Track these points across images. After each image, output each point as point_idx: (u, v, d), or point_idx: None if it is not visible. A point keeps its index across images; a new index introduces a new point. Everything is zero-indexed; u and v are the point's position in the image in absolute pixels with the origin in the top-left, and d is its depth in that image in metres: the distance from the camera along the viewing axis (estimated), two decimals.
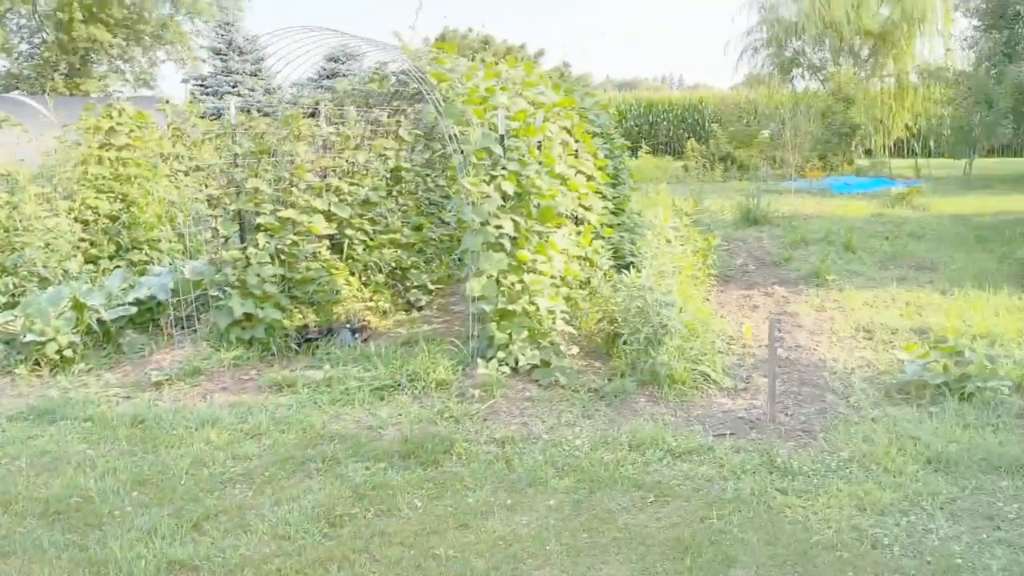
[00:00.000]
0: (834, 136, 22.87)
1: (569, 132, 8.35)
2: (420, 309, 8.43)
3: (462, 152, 5.94)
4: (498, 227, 6.00)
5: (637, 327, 5.73)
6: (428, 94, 5.99)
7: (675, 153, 31.20)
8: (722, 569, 3.46)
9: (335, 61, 25.31)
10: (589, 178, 8.64)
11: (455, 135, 5.97)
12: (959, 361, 5.46)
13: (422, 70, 6.16)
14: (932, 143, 27.00)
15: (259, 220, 7.34)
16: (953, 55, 24.11)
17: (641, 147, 26.51)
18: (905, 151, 27.91)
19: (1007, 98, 18.92)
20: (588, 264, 8.00)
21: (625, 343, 5.85)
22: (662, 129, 35.10)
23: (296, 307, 7.36)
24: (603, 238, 8.60)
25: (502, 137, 6.28)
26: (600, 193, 8.98)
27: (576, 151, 8.54)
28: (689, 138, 28.57)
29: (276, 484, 4.42)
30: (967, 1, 22.43)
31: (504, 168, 6.17)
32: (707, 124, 29.61)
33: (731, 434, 4.96)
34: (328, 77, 23.94)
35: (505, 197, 6.23)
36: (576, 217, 8.40)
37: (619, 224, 9.74)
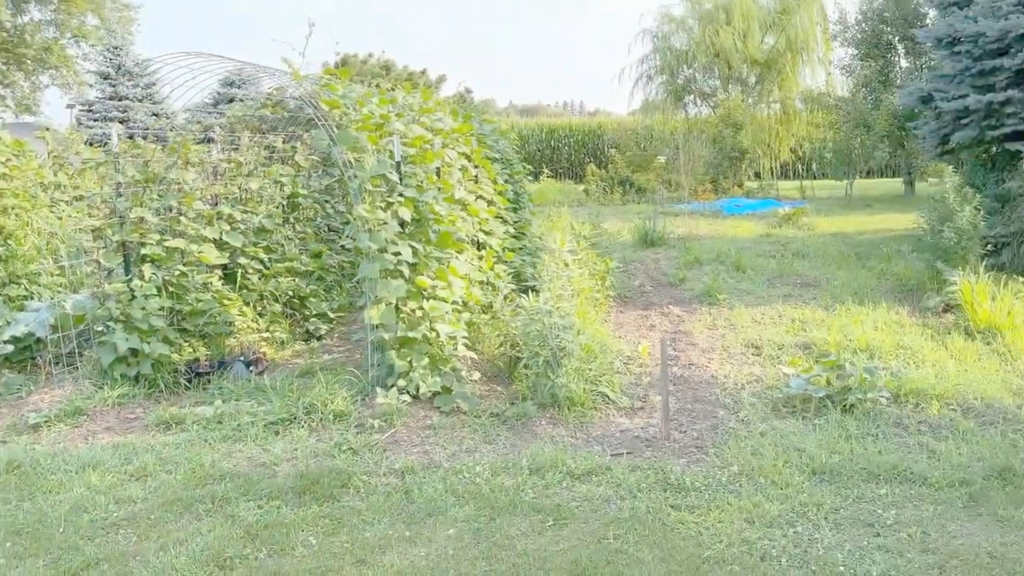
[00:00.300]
0: (725, 160, 23.88)
1: (468, 158, 8.41)
2: (320, 339, 8.26)
3: (356, 179, 5.88)
4: (396, 254, 5.96)
5: (536, 350, 5.78)
6: (320, 121, 5.92)
7: (576, 177, 31.91)
8: None
9: (231, 86, 24.73)
10: (490, 203, 8.72)
11: (349, 162, 5.91)
12: (841, 375, 5.75)
13: (314, 96, 6.08)
14: (816, 166, 28.59)
15: (144, 250, 7.06)
16: (834, 82, 25.67)
17: (543, 172, 26.98)
18: (791, 173, 29.44)
19: (883, 123, 20.26)
20: (490, 289, 8.05)
21: (525, 367, 5.89)
22: (563, 154, 35.84)
23: (186, 340, 7.08)
24: (505, 262, 8.68)
25: (398, 164, 6.27)
26: (501, 218, 9.07)
27: (476, 176, 8.61)
28: (590, 163, 29.28)
29: (162, 528, 4.22)
30: (845, 31, 23.97)
31: (401, 195, 6.15)
32: (606, 149, 30.39)
33: (628, 453, 5.05)
34: (225, 102, 23.36)
35: (403, 223, 6.21)
36: (478, 242, 8.46)
37: (521, 248, 9.85)
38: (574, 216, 13.94)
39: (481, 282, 7.97)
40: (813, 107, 24.66)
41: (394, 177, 6.02)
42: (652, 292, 10.21)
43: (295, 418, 5.61)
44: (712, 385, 6.40)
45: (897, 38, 22.43)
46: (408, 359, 5.91)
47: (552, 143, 36.02)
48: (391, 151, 6.22)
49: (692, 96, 27.85)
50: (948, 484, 4.40)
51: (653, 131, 28.42)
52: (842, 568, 3.60)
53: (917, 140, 15.72)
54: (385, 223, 5.93)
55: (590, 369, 6.27)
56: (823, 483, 4.50)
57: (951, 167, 12.50)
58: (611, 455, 5.02)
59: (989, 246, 10.15)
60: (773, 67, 26.03)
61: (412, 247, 6.11)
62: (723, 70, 26.72)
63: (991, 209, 10.54)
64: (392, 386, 5.84)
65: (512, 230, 9.46)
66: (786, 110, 26.25)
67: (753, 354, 7.22)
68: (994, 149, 11.54)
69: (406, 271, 6.03)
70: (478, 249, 8.43)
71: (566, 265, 6.94)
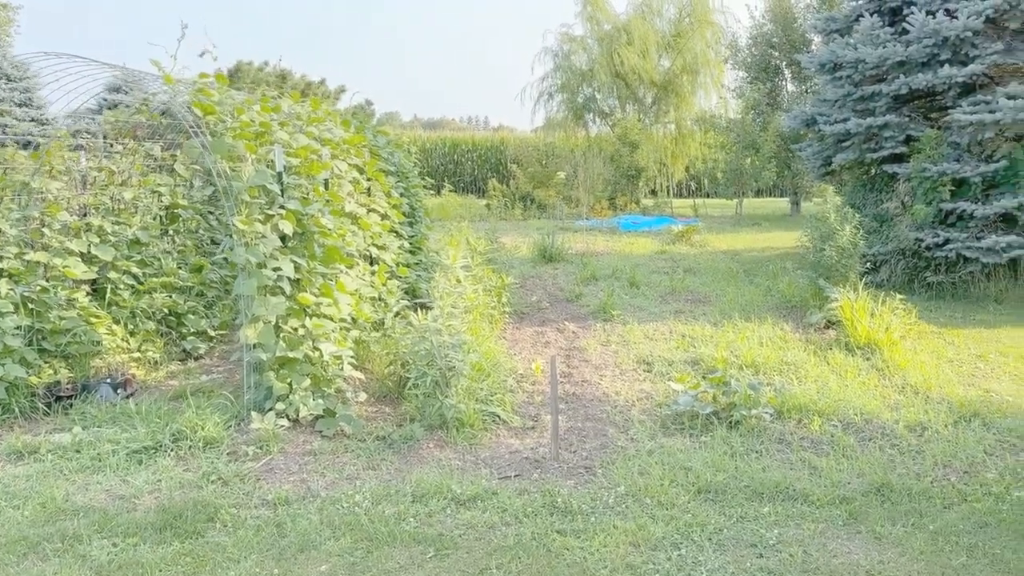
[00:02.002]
0: (623, 178, 24.33)
1: (361, 170, 8.15)
2: (199, 359, 7.80)
3: (232, 189, 5.55)
4: (276, 269, 5.65)
5: (424, 370, 5.58)
6: (191, 127, 5.56)
7: (479, 192, 31.90)
8: None
9: (117, 91, 23.48)
10: (383, 217, 8.47)
11: (224, 171, 5.57)
12: (726, 391, 5.79)
13: (186, 102, 5.72)
14: (708, 184, 29.56)
15: (1, 264, 6.49)
16: (726, 104, 26.60)
17: (445, 186, 26.82)
18: (686, 192, 30.34)
19: (770, 144, 21.09)
20: (383, 305, 7.80)
21: (413, 387, 5.67)
22: (466, 169, 35.82)
23: (46, 361, 6.53)
24: (399, 278, 8.44)
25: (280, 174, 5.96)
26: (395, 232, 8.84)
27: (368, 189, 8.35)
28: (492, 178, 29.31)
29: (3, 571, 3.78)
30: (736, 55, 24.88)
31: (282, 207, 5.84)
32: (508, 165, 30.51)
33: (516, 476, 4.91)
34: (111, 108, 22.11)
35: (284, 237, 5.91)
36: (370, 257, 8.19)
37: (417, 263, 9.63)
38: (475, 231, 13.85)
39: (373, 298, 7.71)
40: (706, 128, 25.48)
41: (275, 188, 5.71)
42: (549, 308, 10.16)
43: (161, 446, 5.20)
44: (603, 403, 6.35)
45: (784, 63, 23.45)
46: (288, 381, 5.59)
47: (455, 157, 35.95)
48: (271, 160, 5.91)
49: (592, 115, 28.32)
50: (829, 501, 4.44)
51: (555, 148, 28.72)
52: None
53: (802, 161, 16.40)
54: (264, 236, 5.61)
55: (481, 388, 6.11)
56: (708, 502, 4.48)
57: (833, 188, 13.07)
58: (499, 478, 4.87)
59: (868, 264, 10.63)
60: (669, 88, 26.77)
61: (294, 262, 5.81)
62: (621, 90, 27.30)
63: (870, 229, 11.04)
64: (270, 410, 5.51)
65: (407, 245, 9.24)
66: (681, 130, 27.03)
67: (644, 370, 7.23)
68: (873, 171, 12.13)
69: (287, 287, 5.72)
70: (371, 264, 8.17)
71: (458, 281, 6.77)
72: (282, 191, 5.92)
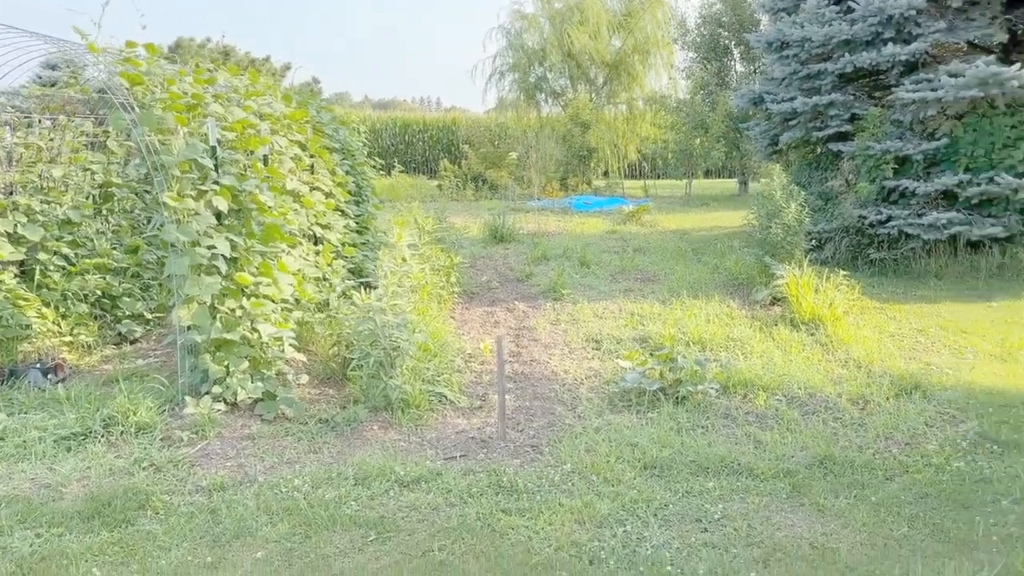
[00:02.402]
0: (574, 158, 24.30)
1: (303, 147, 7.93)
2: (134, 342, 7.53)
3: (161, 164, 5.31)
4: (211, 247, 5.44)
5: (367, 350, 5.44)
6: (116, 98, 5.29)
7: (431, 173, 31.57)
8: None
9: (54, 69, 22.58)
10: (328, 195, 8.27)
11: (153, 145, 5.32)
12: (673, 367, 5.78)
13: (113, 73, 5.44)
14: (659, 165, 29.72)
15: None
16: (676, 84, 26.72)
17: (395, 166, 26.46)
18: (637, 173, 30.47)
19: (719, 124, 21.24)
20: (327, 286, 7.62)
21: (357, 367, 5.53)
22: (418, 149, 35.38)
23: None
24: (344, 257, 8.26)
25: (214, 148, 5.73)
26: (341, 211, 8.64)
27: (311, 167, 8.13)
28: (444, 158, 29.03)
29: None
30: (686, 35, 24.95)
31: (216, 183, 5.62)
32: (460, 145, 30.23)
33: (462, 456, 4.82)
34: (49, 86, 21.25)
35: (220, 215, 5.69)
36: (315, 236, 7.99)
37: (364, 243, 9.45)
38: (426, 212, 13.66)
39: (317, 279, 7.53)
40: (656, 108, 25.58)
41: (207, 163, 5.48)
42: (499, 288, 10.07)
43: (91, 432, 4.98)
44: (552, 381, 6.29)
45: (733, 42, 23.60)
46: (225, 363, 5.40)
47: (406, 138, 35.47)
48: (204, 134, 5.68)
49: (544, 95, 28.20)
50: (773, 475, 4.45)
51: (507, 129, 28.56)
52: (670, 568, 3.52)
53: (750, 141, 16.54)
54: (196, 213, 5.39)
55: (428, 368, 6.01)
56: (654, 478, 4.45)
57: (780, 167, 13.19)
58: (444, 459, 4.78)
59: (813, 241, 10.76)
60: (620, 68, 26.79)
61: (230, 240, 5.60)
62: (573, 70, 27.22)
63: (816, 207, 11.18)
64: (206, 393, 5.32)
65: (353, 224, 9.04)
66: (632, 111, 27.08)
67: (593, 349, 7.19)
68: (819, 150, 12.26)
69: (223, 267, 5.51)
70: (315, 244, 7.97)
71: (404, 260, 6.62)
72: (216, 166, 5.69)
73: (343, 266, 8.07)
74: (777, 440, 4.96)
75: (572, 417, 5.48)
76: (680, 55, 26.18)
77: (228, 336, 5.43)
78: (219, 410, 5.22)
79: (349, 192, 8.98)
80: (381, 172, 27.62)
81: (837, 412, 5.48)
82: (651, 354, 6.34)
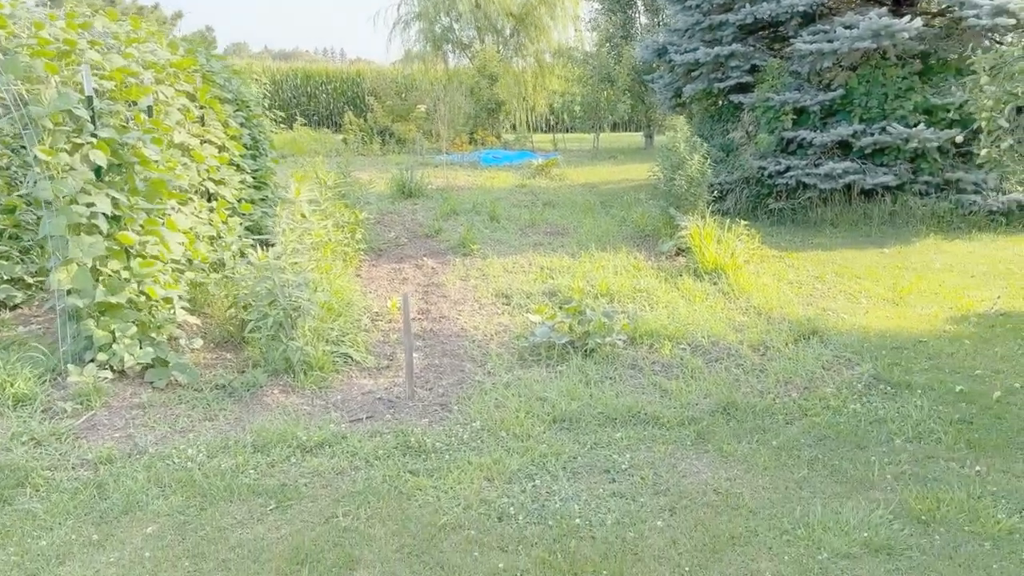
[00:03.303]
0: (483, 111, 23.97)
1: (192, 97, 7.47)
2: (14, 308, 7.00)
3: (31, 117, 4.86)
4: (90, 205, 5.05)
5: (266, 311, 5.19)
6: None
7: (336, 126, 30.61)
8: (344, 573, 3.14)
9: None
10: (221, 148, 7.84)
11: (20, 95, 4.86)
12: (582, 320, 5.77)
13: None
14: (567, 119, 29.68)
15: None
16: (582, 37, 26.60)
17: (297, 119, 25.52)
18: (546, 127, 30.36)
19: (624, 77, 21.29)
20: (224, 244, 7.26)
21: (254, 330, 5.29)
22: (322, 102, 34.19)
23: None
24: (241, 214, 7.88)
25: (90, 99, 5.29)
26: (236, 166, 8.22)
27: (202, 118, 7.68)
28: (348, 111, 28.14)
29: None
30: None
31: (94, 135, 5.20)
32: (366, 98, 29.37)
33: (368, 417, 4.69)
34: None
35: (99, 170, 5.28)
36: (208, 192, 7.58)
37: (262, 199, 9.03)
38: (330, 167, 13.22)
39: (211, 237, 7.17)
40: (564, 61, 25.42)
41: (83, 114, 5.05)
42: (408, 244, 9.87)
43: None
44: (461, 338, 6.20)
45: None
46: (111, 329, 5.06)
47: (308, 90, 34.17)
48: (79, 83, 5.23)
49: (450, 45, 27.60)
50: (679, 423, 4.51)
51: (414, 81, 27.85)
52: (578, 520, 3.52)
53: (654, 94, 16.63)
54: (72, 168, 4.98)
55: (332, 329, 5.81)
56: (563, 431, 4.44)
57: (684, 119, 13.34)
58: (350, 421, 4.64)
59: (716, 193, 10.95)
60: (527, 21, 26.44)
61: (112, 197, 5.21)
62: (480, 21, 26.71)
63: (718, 158, 11.36)
64: (91, 361, 4.98)
65: (250, 180, 8.62)
66: (540, 64, 26.84)
67: (503, 304, 7.13)
68: (720, 102, 12.42)
69: (104, 226, 5.13)
70: (208, 201, 7.57)
71: (304, 217, 6.34)
72: (93, 118, 5.26)
73: (239, 223, 7.71)
74: (682, 388, 5.03)
75: (482, 374, 5.41)
76: (585, 7, 26.07)
77: (113, 299, 5.08)
78: (105, 378, 4.90)
79: (245, 146, 8.53)
80: (282, 126, 26.62)
81: (739, 359, 5.60)
82: (560, 307, 6.32)
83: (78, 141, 5.07)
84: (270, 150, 9.68)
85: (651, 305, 6.84)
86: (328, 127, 30.91)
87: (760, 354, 5.72)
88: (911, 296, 7.14)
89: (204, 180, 7.39)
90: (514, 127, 26.44)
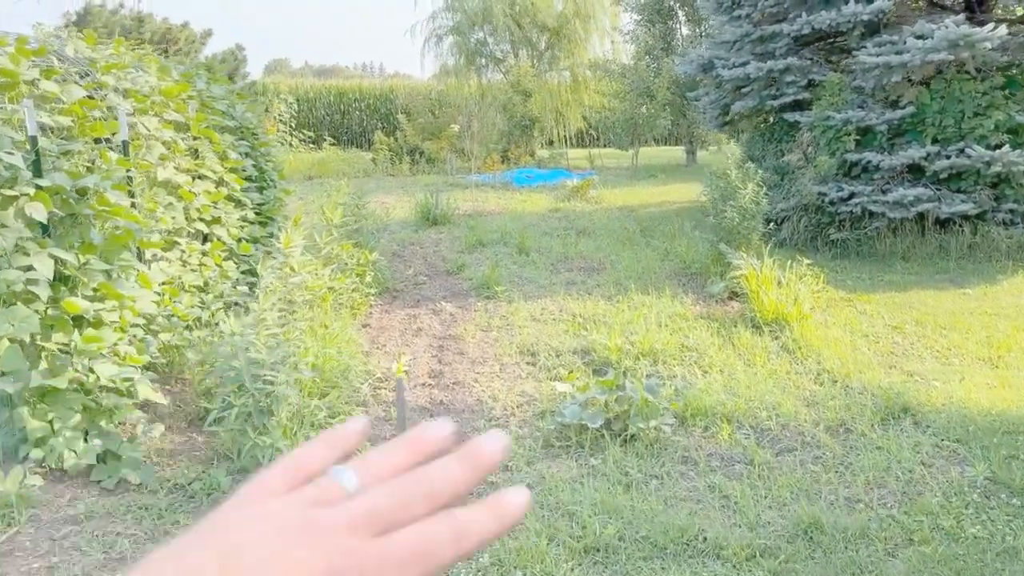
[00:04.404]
0: (516, 128, 23.07)
1: (183, 128, 6.69)
2: None
3: None
4: (27, 268, 4.21)
5: (231, 401, 4.28)
6: None
7: (368, 145, 29.98)
8: None
9: None
10: (219, 183, 7.04)
11: None
12: (620, 397, 4.77)
13: None
14: (604, 134, 28.64)
15: None
16: (620, 50, 25.58)
17: (325, 139, 24.93)
18: (583, 142, 29.35)
19: (664, 91, 20.20)
20: (212, 296, 6.43)
21: (215, 422, 4.37)
22: (354, 119, 33.63)
23: None
24: (239, 256, 7.06)
25: (34, 139, 4.46)
26: (235, 200, 7.40)
27: (195, 151, 6.88)
28: (379, 129, 27.49)
29: None
30: None
31: (35, 184, 4.36)
32: (397, 115, 28.73)
33: None
34: None
35: (43, 226, 4.45)
36: (203, 235, 6.77)
37: (267, 236, 8.20)
38: (360, 188, 12.43)
39: (199, 287, 6.34)
40: (600, 75, 24.43)
41: (15, 161, 4.21)
42: (427, 283, 8.96)
43: None
44: (477, 414, 5.24)
45: (678, 3, 22.55)
46: (49, 419, 4.20)
47: (342, 107, 33.63)
48: (18, 120, 4.41)
49: (484, 60, 26.80)
50: (747, 556, 3.48)
51: (447, 97, 27.08)
52: None
53: (699, 111, 15.54)
54: (3, 226, 4.14)
55: (321, 408, 4.89)
56: (596, 566, 3.44)
57: (726, 136, 12.25)
58: None
59: (772, 224, 9.86)
60: (562, 34, 25.56)
61: (56, 257, 4.36)
62: (515, 34, 25.89)
63: (771, 183, 10.26)
64: (25, 458, 4.12)
65: (251, 216, 7.79)
66: (576, 78, 25.89)
67: (528, 364, 6.15)
68: (773, 119, 11.34)
69: (45, 292, 4.29)
70: (203, 242, 6.76)
71: (292, 271, 5.46)
72: (36, 162, 4.43)
73: (235, 267, 6.89)
74: (748, 495, 4.00)
75: (500, 469, 4.42)
76: (624, 17, 25.09)
77: (53, 383, 4.22)
78: (33, 485, 4.02)
79: (249, 178, 7.73)
80: (311, 146, 26.05)
81: (816, 448, 4.55)
82: (593, 372, 5.33)
83: (9, 193, 4.23)
84: (279, 180, 8.86)
85: (703, 369, 5.80)
86: (360, 146, 30.32)
87: (840, 440, 4.65)
88: (1012, 355, 6.00)
89: (195, 220, 6.59)
90: (550, 143, 25.49)
